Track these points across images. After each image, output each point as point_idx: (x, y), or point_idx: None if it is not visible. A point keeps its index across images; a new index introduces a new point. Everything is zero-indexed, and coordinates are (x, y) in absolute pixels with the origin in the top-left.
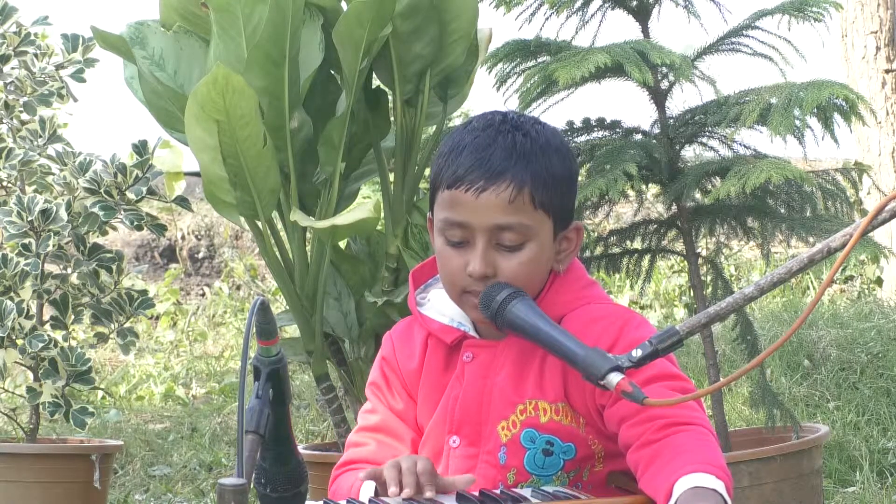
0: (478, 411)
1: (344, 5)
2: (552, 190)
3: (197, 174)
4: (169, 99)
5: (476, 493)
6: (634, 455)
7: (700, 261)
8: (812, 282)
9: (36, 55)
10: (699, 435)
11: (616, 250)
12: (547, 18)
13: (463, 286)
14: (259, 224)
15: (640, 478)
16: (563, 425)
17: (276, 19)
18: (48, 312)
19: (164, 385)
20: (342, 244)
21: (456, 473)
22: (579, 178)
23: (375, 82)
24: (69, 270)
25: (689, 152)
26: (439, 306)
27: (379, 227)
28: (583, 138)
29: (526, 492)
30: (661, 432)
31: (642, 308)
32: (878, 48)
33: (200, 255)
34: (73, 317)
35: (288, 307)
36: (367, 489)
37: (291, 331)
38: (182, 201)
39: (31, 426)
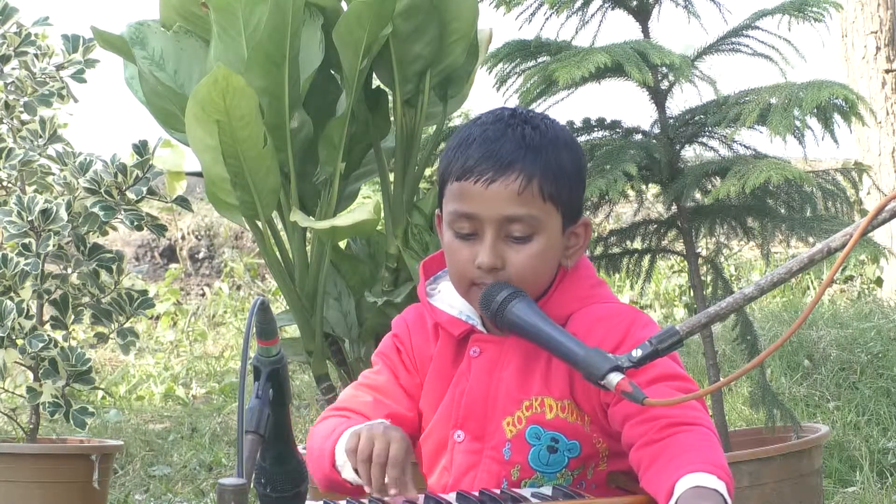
0: (483, 406)
1: (344, 5)
2: (561, 183)
3: (198, 174)
4: (169, 99)
5: (476, 493)
6: (637, 454)
7: (700, 261)
8: (812, 282)
9: (36, 55)
10: (701, 435)
11: (616, 250)
12: (547, 18)
13: (471, 279)
14: (259, 224)
15: (641, 477)
16: (569, 423)
17: (276, 19)
18: (48, 312)
19: (164, 385)
20: (342, 244)
21: (460, 468)
22: None
23: (375, 82)
24: (69, 270)
25: (689, 152)
26: (449, 299)
27: (379, 228)
28: (583, 138)
29: (526, 492)
30: (664, 432)
31: (642, 308)
32: (878, 48)
33: (200, 255)
34: (73, 317)
35: (288, 307)
36: (345, 440)
37: (291, 331)
38: (182, 201)
39: (31, 426)
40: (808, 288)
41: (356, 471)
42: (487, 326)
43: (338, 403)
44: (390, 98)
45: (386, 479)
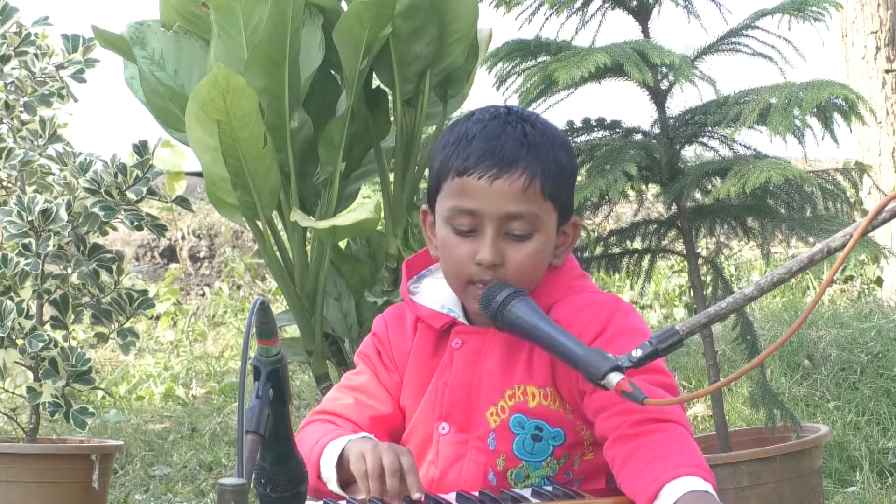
0: (467, 398)
1: (344, 5)
2: (560, 182)
3: (198, 174)
4: (169, 99)
5: (476, 493)
6: (611, 451)
7: (700, 261)
8: (812, 282)
9: (36, 55)
10: (678, 434)
11: (616, 250)
12: (547, 18)
13: (470, 276)
14: (259, 224)
15: (616, 475)
16: (552, 410)
17: (276, 19)
18: (48, 312)
19: (164, 385)
20: (342, 244)
21: (446, 460)
22: (579, 178)
23: (375, 82)
24: (69, 270)
25: (689, 152)
26: (431, 294)
27: (379, 228)
28: (583, 138)
29: (525, 492)
30: (638, 427)
31: (642, 308)
32: (878, 48)
33: (201, 255)
34: (73, 317)
35: (288, 307)
36: (331, 453)
37: (291, 331)
38: (182, 201)
39: (31, 426)
40: (808, 288)
41: (340, 482)
42: (470, 318)
43: (321, 407)
44: (390, 98)
45: (408, 485)
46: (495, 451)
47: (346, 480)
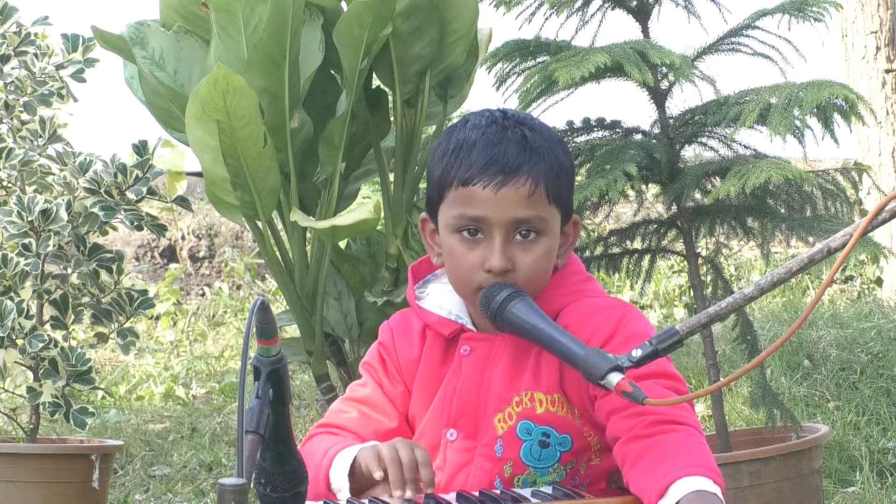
0: (475, 404)
1: (344, 5)
2: (562, 183)
3: (198, 174)
4: (169, 99)
5: (476, 493)
6: (623, 448)
7: (700, 261)
8: (812, 282)
9: (36, 55)
10: (691, 436)
11: (616, 250)
12: (547, 18)
13: (479, 283)
14: (259, 224)
15: (626, 471)
16: (559, 416)
17: (276, 19)
18: (48, 312)
19: (164, 385)
20: (342, 244)
21: (453, 467)
22: (579, 178)
23: (375, 82)
24: (69, 270)
25: (689, 152)
26: (437, 300)
27: (379, 228)
28: (583, 138)
29: (526, 492)
30: (653, 428)
31: (642, 308)
32: (878, 48)
33: (201, 255)
34: (73, 317)
35: (288, 307)
36: (341, 462)
37: (291, 331)
38: (182, 201)
39: (31, 426)
40: (808, 288)
41: (352, 491)
42: (477, 325)
43: (325, 420)
44: (390, 98)
45: (421, 479)
46: (502, 457)
47: (358, 489)
